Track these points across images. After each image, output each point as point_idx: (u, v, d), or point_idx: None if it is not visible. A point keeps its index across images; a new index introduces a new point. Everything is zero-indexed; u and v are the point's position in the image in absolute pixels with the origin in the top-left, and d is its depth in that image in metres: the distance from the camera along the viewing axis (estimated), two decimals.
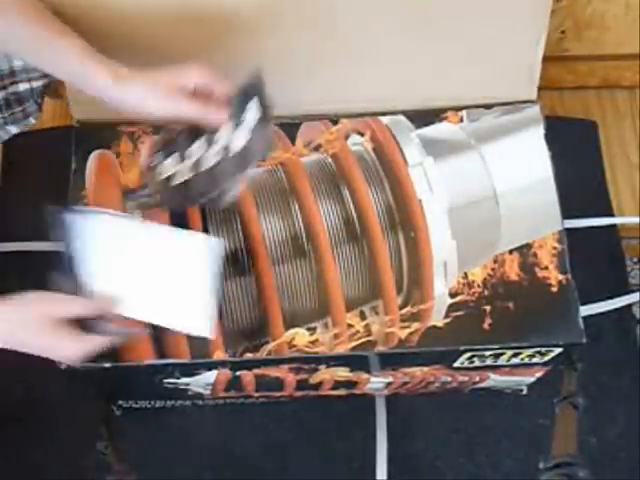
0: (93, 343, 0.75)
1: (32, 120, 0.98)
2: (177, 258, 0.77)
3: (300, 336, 0.84)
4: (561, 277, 0.87)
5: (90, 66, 0.77)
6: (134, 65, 0.79)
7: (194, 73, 0.78)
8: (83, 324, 0.74)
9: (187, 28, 0.89)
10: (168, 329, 0.80)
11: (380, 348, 0.84)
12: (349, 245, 0.88)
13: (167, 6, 0.88)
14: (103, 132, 0.92)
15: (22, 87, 0.92)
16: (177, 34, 0.90)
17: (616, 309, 1.07)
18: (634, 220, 1.16)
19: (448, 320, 0.85)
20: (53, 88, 1.01)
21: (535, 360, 0.89)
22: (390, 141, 0.93)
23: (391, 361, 0.88)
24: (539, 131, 0.94)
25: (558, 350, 0.86)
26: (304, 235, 0.87)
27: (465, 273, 0.87)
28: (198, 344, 0.83)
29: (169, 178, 0.79)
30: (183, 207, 0.83)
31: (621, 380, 1.09)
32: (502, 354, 0.86)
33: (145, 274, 0.78)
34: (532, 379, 0.99)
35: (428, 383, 0.97)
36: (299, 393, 0.99)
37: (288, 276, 0.86)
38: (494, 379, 0.97)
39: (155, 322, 0.78)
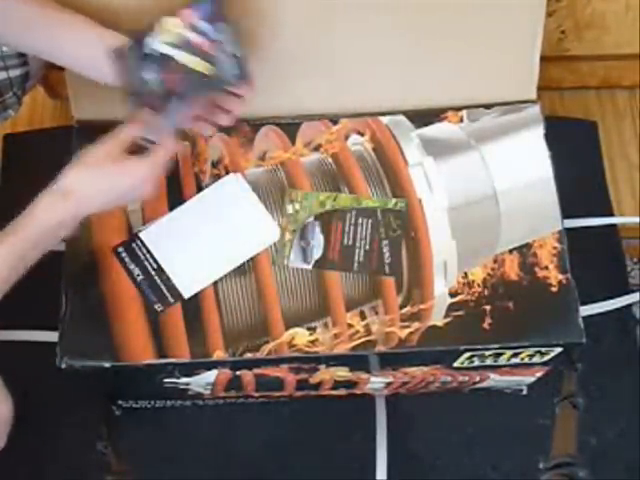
0: (157, 155, 0.79)
1: (11, 112, 0.97)
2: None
3: (300, 336, 0.84)
4: (561, 277, 0.87)
5: (105, 32, 0.80)
6: None
7: None
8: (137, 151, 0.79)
9: None
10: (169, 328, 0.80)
11: (380, 348, 0.84)
12: None
13: (167, 8, 0.88)
14: (103, 132, 0.92)
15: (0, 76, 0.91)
16: None
17: (616, 309, 1.07)
18: (634, 220, 1.16)
19: (448, 320, 0.85)
20: (33, 82, 1.00)
21: (535, 360, 0.89)
22: (390, 141, 0.93)
23: (391, 361, 0.88)
24: (539, 131, 0.94)
25: (558, 350, 0.86)
26: None
27: (465, 273, 0.87)
28: (198, 344, 0.83)
29: None
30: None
31: (621, 380, 1.08)
32: (502, 354, 0.86)
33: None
34: (532, 379, 0.99)
35: (428, 383, 0.97)
36: (299, 393, 0.99)
37: (288, 275, 0.86)
38: (494, 379, 0.97)
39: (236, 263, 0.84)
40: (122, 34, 0.80)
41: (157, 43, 0.78)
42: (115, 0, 0.85)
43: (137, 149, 0.79)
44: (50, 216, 0.76)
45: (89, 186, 0.77)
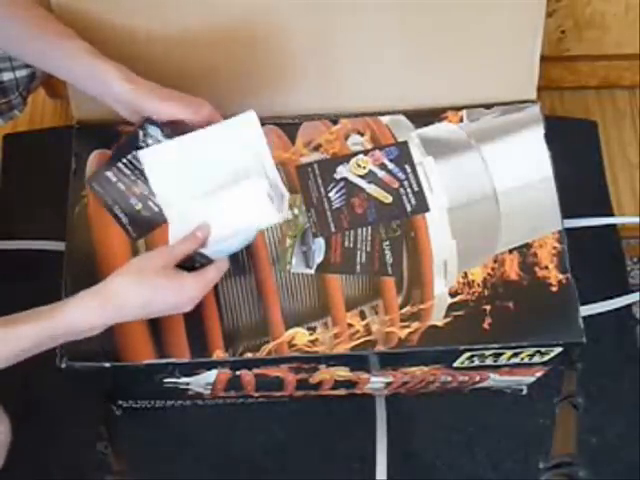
0: (208, 274, 0.78)
1: (17, 113, 0.98)
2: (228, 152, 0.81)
3: (300, 336, 0.84)
4: (561, 277, 0.87)
5: (99, 64, 0.79)
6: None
7: (199, 109, 0.81)
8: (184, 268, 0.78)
9: (188, 27, 0.90)
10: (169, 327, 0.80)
11: (380, 348, 0.84)
12: None
13: (170, 7, 0.89)
14: (103, 132, 0.92)
15: (6, 76, 0.92)
16: (178, 32, 0.90)
17: (616, 309, 1.06)
18: (634, 220, 1.16)
19: (448, 320, 0.85)
20: (39, 82, 1.00)
21: (535, 360, 0.89)
22: (390, 141, 0.93)
23: (391, 361, 0.88)
24: (539, 131, 0.94)
25: (558, 350, 0.86)
26: None
27: (465, 273, 0.87)
28: (198, 344, 0.83)
29: None
30: None
31: (621, 380, 1.09)
32: (502, 354, 0.86)
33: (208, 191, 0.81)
34: (532, 379, 0.99)
35: (428, 383, 0.97)
36: (299, 393, 0.99)
37: (288, 276, 0.86)
38: (494, 379, 0.97)
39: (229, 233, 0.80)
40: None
41: (347, 172, 0.89)
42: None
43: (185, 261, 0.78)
44: (83, 319, 0.73)
45: (134, 298, 0.74)
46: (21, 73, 0.93)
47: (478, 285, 0.86)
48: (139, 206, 0.86)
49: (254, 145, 0.81)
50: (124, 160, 0.87)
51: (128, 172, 0.87)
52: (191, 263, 0.79)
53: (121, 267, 0.76)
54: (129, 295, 0.74)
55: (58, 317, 0.72)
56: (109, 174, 0.87)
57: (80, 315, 0.73)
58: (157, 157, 0.82)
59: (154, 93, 0.80)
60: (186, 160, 0.82)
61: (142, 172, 0.84)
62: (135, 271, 0.75)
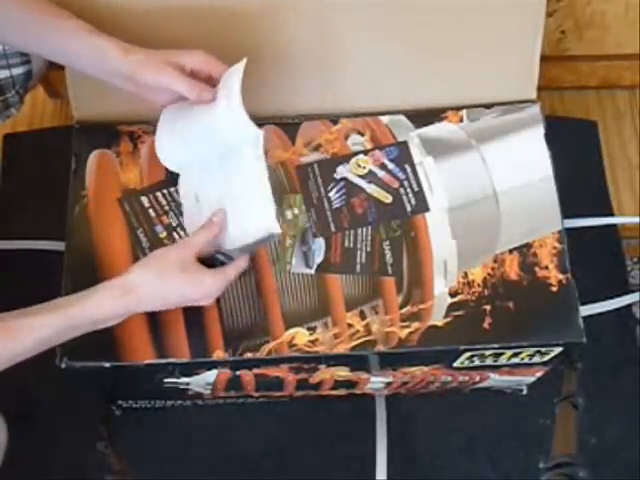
0: (227, 272, 0.80)
1: (14, 111, 0.97)
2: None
3: (300, 335, 0.84)
4: (561, 277, 0.87)
5: (100, 42, 0.79)
6: None
7: (194, 57, 0.81)
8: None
9: (188, 29, 0.90)
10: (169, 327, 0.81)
11: (380, 348, 0.84)
12: None
13: (170, 6, 0.88)
14: (103, 132, 0.92)
15: (2, 74, 0.91)
16: (178, 35, 0.90)
17: (616, 309, 1.07)
18: (634, 220, 1.16)
19: (448, 319, 0.85)
20: (36, 81, 1.00)
21: (535, 360, 0.89)
22: (390, 141, 0.93)
23: (391, 361, 0.88)
24: (539, 131, 0.94)
25: (558, 350, 0.86)
26: None
27: (465, 272, 0.87)
28: (198, 344, 0.83)
29: None
30: None
31: (621, 380, 1.09)
32: (502, 354, 0.86)
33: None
34: (532, 379, 0.99)
35: (428, 383, 0.97)
36: (299, 393, 0.99)
37: (288, 276, 0.86)
38: (494, 379, 0.97)
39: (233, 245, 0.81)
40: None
41: (347, 172, 0.89)
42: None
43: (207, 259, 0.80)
44: (102, 309, 0.74)
45: (153, 290, 0.76)
46: (17, 71, 0.93)
47: (478, 285, 0.86)
48: (163, 234, 0.86)
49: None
50: (164, 191, 0.88)
51: (164, 202, 0.88)
52: (212, 262, 0.80)
53: (143, 259, 0.79)
54: (149, 288, 0.76)
55: (79, 306, 0.73)
56: (144, 199, 0.88)
57: (100, 305, 0.74)
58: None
59: (151, 64, 0.79)
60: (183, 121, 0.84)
61: (178, 206, 0.87)
62: (155, 264, 0.77)
